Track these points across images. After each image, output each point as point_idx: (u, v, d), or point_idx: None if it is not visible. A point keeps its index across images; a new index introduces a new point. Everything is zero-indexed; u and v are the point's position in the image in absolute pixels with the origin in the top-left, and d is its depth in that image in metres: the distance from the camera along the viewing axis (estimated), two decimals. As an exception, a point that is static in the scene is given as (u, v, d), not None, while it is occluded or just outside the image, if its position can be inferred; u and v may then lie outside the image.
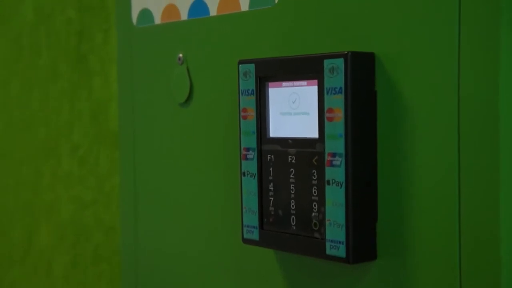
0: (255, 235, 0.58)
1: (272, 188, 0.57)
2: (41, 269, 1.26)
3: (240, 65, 0.58)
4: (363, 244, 0.52)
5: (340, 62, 0.51)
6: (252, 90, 0.57)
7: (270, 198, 0.57)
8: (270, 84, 0.57)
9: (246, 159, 0.58)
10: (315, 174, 0.54)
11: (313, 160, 0.54)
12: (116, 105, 1.11)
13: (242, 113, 0.58)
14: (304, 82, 0.54)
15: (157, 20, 0.71)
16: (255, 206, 0.58)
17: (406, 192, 0.51)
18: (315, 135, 0.54)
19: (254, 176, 0.58)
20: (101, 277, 1.14)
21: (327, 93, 0.52)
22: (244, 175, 0.59)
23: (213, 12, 0.65)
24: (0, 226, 1.35)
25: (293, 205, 0.56)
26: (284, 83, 0.56)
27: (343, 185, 0.51)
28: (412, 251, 0.51)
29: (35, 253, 1.27)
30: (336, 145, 0.52)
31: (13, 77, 1.28)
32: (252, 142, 0.58)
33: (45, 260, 1.25)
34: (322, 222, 0.54)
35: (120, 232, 0.78)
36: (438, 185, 0.49)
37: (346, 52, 0.51)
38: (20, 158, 1.29)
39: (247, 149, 0.58)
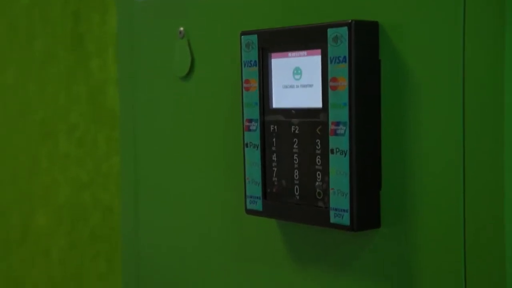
0: (258, 206, 0.58)
1: (275, 159, 0.57)
2: (39, 252, 1.26)
3: (242, 36, 0.58)
4: (367, 212, 0.52)
5: (344, 31, 0.51)
6: (255, 61, 0.57)
7: (274, 168, 0.57)
8: (273, 54, 0.57)
9: (249, 130, 0.58)
10: (318, 143, 0.54)
11: (317, 130, 0.54)
12: (114, 87, 1.11)
13: (244, 85, 0.58)
14: (307, 52, 0.54)
15: (158, -5, 0.70)
16: (258, 177, 0.58)
17: (410, 161, 0.51)
18: (319, 104, 0.54)
19: (257, 147, 0.58)
20: (99, 258, 1.14)
21: (331, 62, 0.52)
22: (247, 146, 0.59)
23: (214, -15, 0.65)
24: (-3, 209, 1.35)
25: (296, 175, 0.56)
26: (287, 54, 0.56)
27: (347, 153, 0.52)
28: (416, 219, 0.51)
29: (32, 236, 1.27)
30: (340, 114, 0.52)
31: (9, 61, 1.28)
32: (255, 113, 0.58)
33: (43, 242, 1.25)
34: (326, 191, 0.54)
35: (121, 212, 0.79)
36: (443, 153, 0.50)
37: (350, 21, 0.51)
38: (17, 142, 1.29)
39: (250, 120, 0.58)
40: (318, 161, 0.54)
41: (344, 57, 0.51)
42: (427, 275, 0.51)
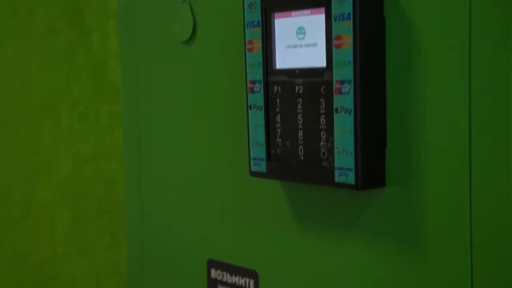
0: (262, 168, 0.58)
1: (279, 120, 0.57)
2: (43, 226, 1.26)
3: (245, -3, 0.58)
4: (372, 170, 0.52)
5: (348, -12, 0.51)
6: (258, 21, 0.57)
7: (277, 130, 0.57)
8: (276, 14, 0.56)
9: (253, 92, 0.58)
10: (323, 103, 0.54)
11: (321, 89, 0.54)
12: (115, 61, 1.10)
13: (247, 46, 0.58)
14: (311, 11, 0.54)
15: (159, -40, 0.70)
16: (262, 139, 0.58)
17: (416, 119, 0.51)
18: (323, 64, 0.53)
19: (261, 109, 0.58)
20: (103, 231, 1.14)
21: (335, 20, 0.52)
22: (251, 108, 0.58)
23: None
24: (0, 185, 1.35)
25: (300, 136, 0.56)
26: (290, 13, 0.55)
27: (352, 112, 0.51)
28: (422, 178, 0.51)
29: (36, 210, 1.27)
30: (344, 72, 0.52)
31: (9, 35, 1.27)
32: (258, 74, 0.57)
33: (46, 217, 1.25)
34: (330, 151, 0.54)
35: (125, 185, 0.78)
36: (449, 112, 0.49)
37: (353, -22, 0.51)
38: (19, 118, 1.28)
39: (253, 82, 0.58)
40: (323, 121, 0.54)
41: (349, 14, 0.51)
42: (432, 234, 0.50)
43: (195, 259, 0.69)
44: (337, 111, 0.52)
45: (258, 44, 0.57)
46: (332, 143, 0.53)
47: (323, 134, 0.54)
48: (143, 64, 0.73)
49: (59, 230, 1.23)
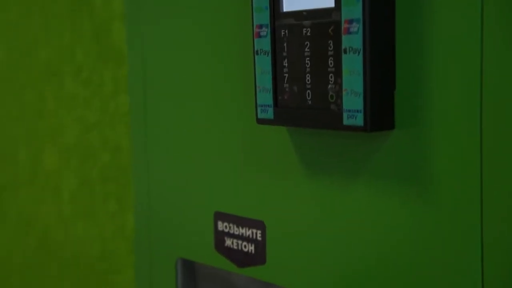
0: (269, 114, 0.57)
1: (286, 64, 0.56)
2: (49, 192, 1.26)
3: None
4: (380, 112, 0.51)
5: None
6: (264, -36, 0.56)
7: (285, 74, 0.56)
8: (283, -44, 0.55)
9: (259, 36, 0.57)
10: (331, 44, 0.53)
11: (329, 30, 0.53)
12: (119, 23, 1.09)
13: (254, -11, 0.57)
14: (319, -49, 0.53)
15: None
16: (269, 84, 0.57)
17: (426, 60, 0.50)
18: (331, 3, 0.52)
19: (268, 54, 0.57)
20: (109, 197, 1.14)
21: (343, -42, 0.50)
22: (257, 54, 0.57)
23: None
24: (5, 151, 1.35)
25: (308, 79, 0.54)
26: (298, -46, 0.54)
27: (361, 52, 0.50)
28: (431, 121, 0.50)
29: (42, 176, 1.27)
30: (353, 10, 0.50)
31: (12, 0, 1.26)
32: (265, 18, 0.56)
33: (52, 183, 1.25)
34: (338, 94, 0.53)
35: (132, 150, 0.78)
36: (460, 54, 0.48)
37: None
38: (22, 83, 1.27)
39: (260, 26, 0.57)
40: (331, 63, 0.53)
41: (357, -49, 0.50)
42: (442, 177, 0.50)
43: (202, 213, 0.68)
44: (345, 51, 0.51)
45: (264, -13, 0.56)
46: (341, 86, 0.52)
47: (331, 77, 0.53)
48: (149, 26, 0.72)
49: (65, 195, 1.22)
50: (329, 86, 0.53)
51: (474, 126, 0.48)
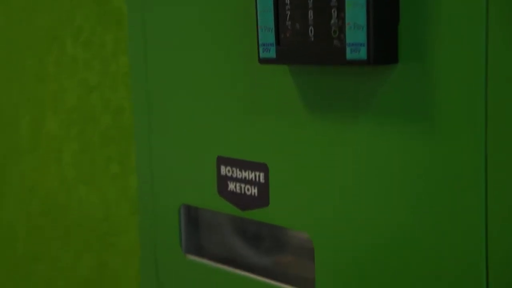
0: (272, 53, 0.57)
1: (288, 2, 0.55)
2: (51, 157, 1.26)
3: None
4: (384, 45, 0.51)
5: None
6: None
7: (287, 12, 0.56)
8: None
9: (261, -26, 0.56)
10: (333, -21, 0.52)
11: (331, -36, 0.52)
12: (118, -16, 1.08)
13: None
14: None
15: None
16: (271, 23, 0.56)
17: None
18: None
19: (270, -8, 0.56)
20: (111, 159, 1.14)
21: None
22: (259, -8, 0.57)
23: None
24: (6, 117, 1.35)
25: (311, 15, 0.54)
26: None
27: (364, -16, 0.50)
28: (435, 56, 0.50)
29: (43, 141, 1.27)
30: None
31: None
32: (267, -45, 0.56)
33: (54, 147, 1.25)
34: (342, 29, 0.52)
35: (134, 111, 0.77)
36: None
37: None
38: (22, 47, 1.27)
39: (262, -36, 0.56)
40: (333, -2, 0.52)
41: None
42: (446, 112, 0.49)
43: (205, 159, 0.68)
44: (348, -15, 0.51)
45: None
46: (344, 20, 0.52)
47: (334, 12, 0.53)
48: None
49: (67, 159, 1.22)
50: (332, 21, 0.53)
51: (479, 58, 0.47)
